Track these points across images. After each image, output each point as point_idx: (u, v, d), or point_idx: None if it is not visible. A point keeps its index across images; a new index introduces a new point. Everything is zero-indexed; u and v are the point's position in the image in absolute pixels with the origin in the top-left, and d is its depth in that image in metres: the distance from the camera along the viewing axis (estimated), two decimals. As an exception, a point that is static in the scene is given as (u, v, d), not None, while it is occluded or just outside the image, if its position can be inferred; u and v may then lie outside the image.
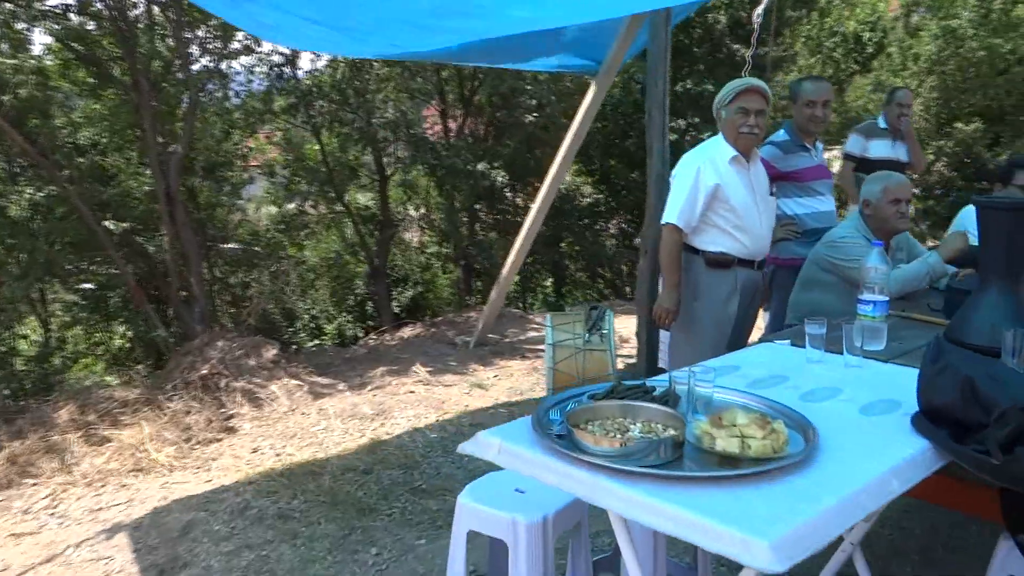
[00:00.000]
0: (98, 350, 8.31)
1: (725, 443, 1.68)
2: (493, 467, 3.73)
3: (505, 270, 6.02)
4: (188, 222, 6.27)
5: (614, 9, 4.00)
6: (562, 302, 9.39)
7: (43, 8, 5.92)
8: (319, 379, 5.34)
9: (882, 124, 5.30)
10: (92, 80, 6.75)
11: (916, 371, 2.29)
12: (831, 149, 7.23)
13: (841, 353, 2.40)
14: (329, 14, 3.40)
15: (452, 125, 8.37)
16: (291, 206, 8.91)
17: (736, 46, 8.80)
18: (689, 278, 3.58)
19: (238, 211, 8.96)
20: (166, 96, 6.55)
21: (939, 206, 12.23)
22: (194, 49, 6.14)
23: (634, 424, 1.83)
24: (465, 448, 1.90)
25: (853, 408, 2.01)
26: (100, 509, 3.56)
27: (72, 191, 6.19)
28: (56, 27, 6.03)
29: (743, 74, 7.19)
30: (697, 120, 8.50)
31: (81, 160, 6.92)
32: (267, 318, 9.51)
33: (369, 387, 5.17)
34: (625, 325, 6.24)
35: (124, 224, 6.91)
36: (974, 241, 3.91)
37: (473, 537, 2.24)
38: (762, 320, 4.33)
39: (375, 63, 7.47)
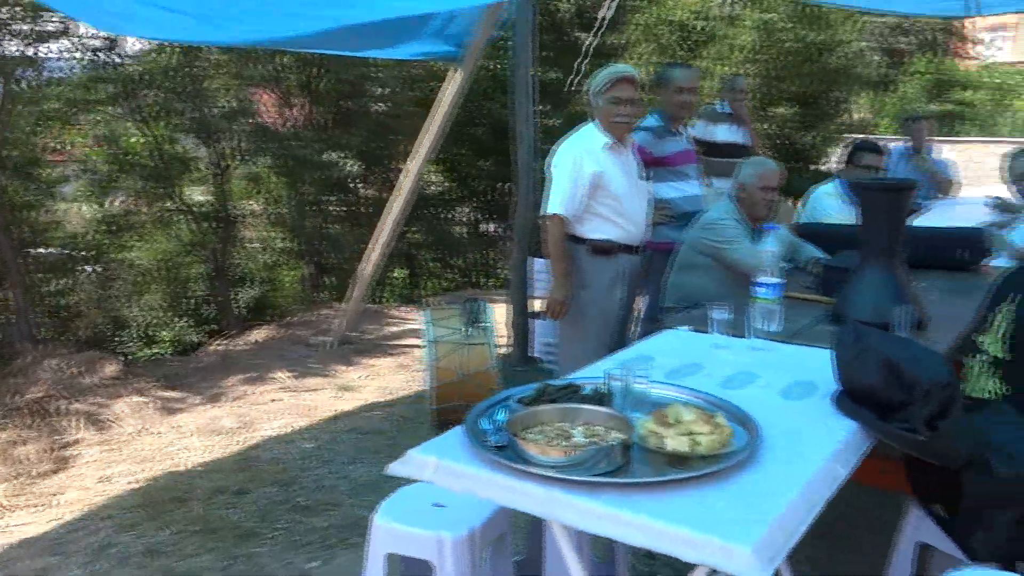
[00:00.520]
0: None
1: (675, 442, 1.62)
2: (384, 477, 3.56)
3: (367, 265, 5.78)
4: (3, 226, 5.57)
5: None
6: (419, 293, 9.20)
7: None
8: (168, 393, 4.90)
9: (721, 109, 5.50)
10: None
11: (819, 351, 2.36)
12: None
13: (742, 337, 2.44)
14: (192, 2, 3.09)
15: (294, 114, 7.94)
16: (116, 205, 8.13)
17: (579, 34, 8.90)
18: (575, 267, 3.55)
19: (52, 212, 8.09)
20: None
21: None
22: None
23: (573, 428, 1.73)
24: (395, 469, 1.74)
25: (773, 393, 2.01)
26: (-77, 565, 3.07)
27: None
28: None
29: (583, 62, 7.31)
30: (547, 107, 8.52)
31: None
32: (92, 328, 8.69)
33: (227, 398, 4.80)
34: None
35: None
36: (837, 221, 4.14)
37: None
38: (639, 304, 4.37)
39: (212, 49, 6.93)
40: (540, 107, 9.03)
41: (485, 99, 9.07)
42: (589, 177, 3.41)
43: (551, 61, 8.85)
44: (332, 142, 7.68)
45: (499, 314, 4.79)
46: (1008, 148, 5.32)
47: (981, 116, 27.56)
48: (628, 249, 3.57)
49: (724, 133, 5.46)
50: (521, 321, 4.87)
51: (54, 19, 5.84)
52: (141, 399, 4.68)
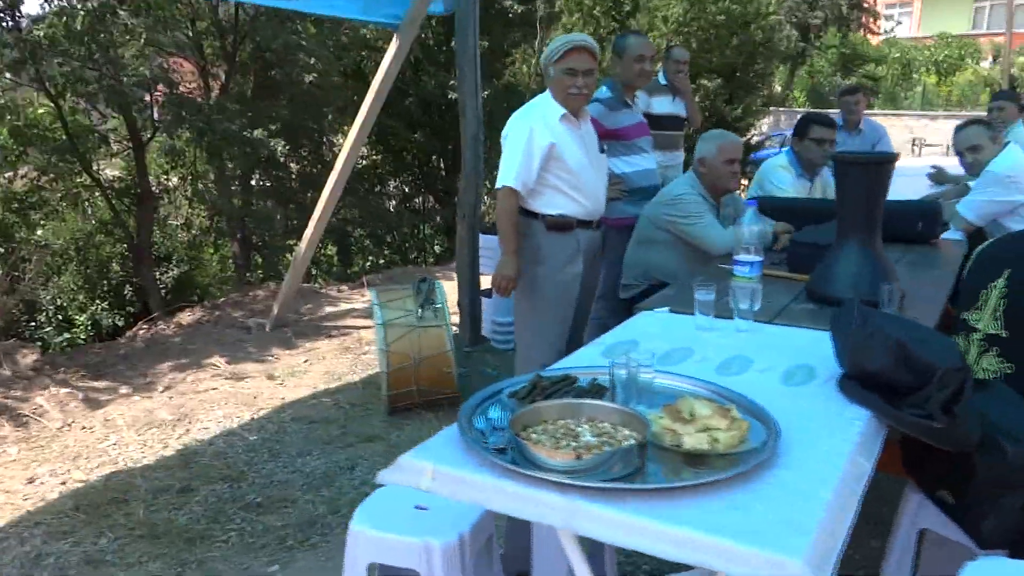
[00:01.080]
0: None
1: (693, 440, 1.51)
2: (340, 469, 3.39)
3: (303, 243, 5.52)
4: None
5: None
6: (353, 271, 8.94)
7: None
8: (94, 383, 4.58)
9: (661, 81, 5.40)
10: None
11: (808, 332, 2.31)
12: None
13: (724, 318, 2.35)
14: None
15: (215, 84, 7.53)
16: (20, 181, 7.60)
17: (508, 2, 8.70)
18: (530, 243, 3.41)
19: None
20: None
21: (688, 157, 13.22)
22: None
23: (579, 425, 1.61)
24: (386, 478, 1.58)
25: (774, 379, 1.93)
26: None
27: None
28: None
29: (538, 34, 7.11)
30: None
31: None
32: (4, 315, 8.14)
33: (160, 388, 4.52)
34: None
35: None
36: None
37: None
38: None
39: (121, 11, 6.46)
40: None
41: (417, 71, 8.82)
42: (543, 149, 3.26)
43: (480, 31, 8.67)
44: (258, 114, 7.32)
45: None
46: (912, 120, 5.42)
47: (886, 89, 28.60)
48: (585, 224, 3.45)
49: (663, 105, 5.36)
50: (471, 300, 4.72)
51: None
52: (65, 391, 4.36)
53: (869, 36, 31.45)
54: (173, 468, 3.51)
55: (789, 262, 3.09)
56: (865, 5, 30.98)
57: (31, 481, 3.51)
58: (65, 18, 6.25)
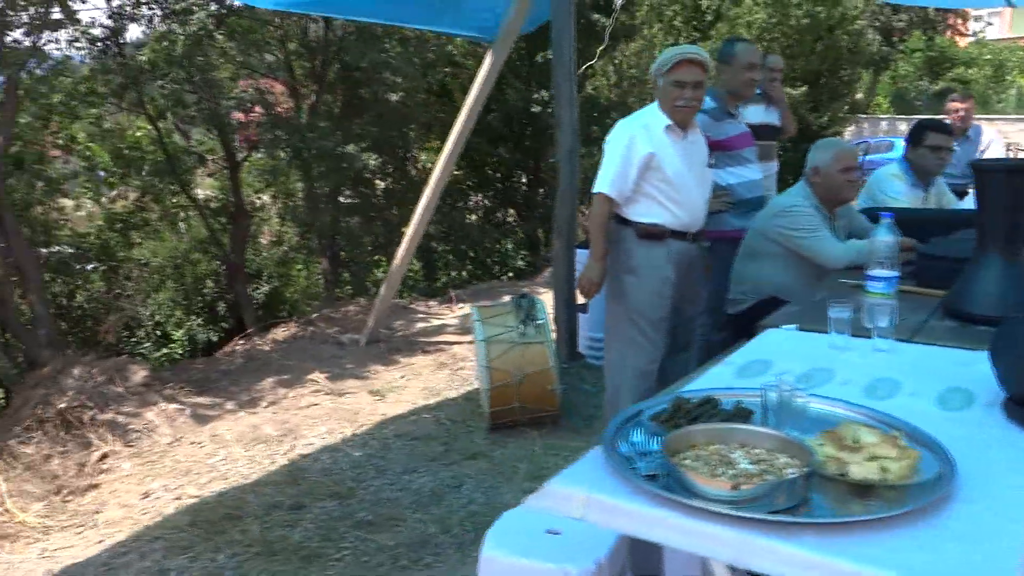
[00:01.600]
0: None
1: (862, 469, 1.42)
2: (447, 487, 3.37)
3: (397, 259, 5.58)
4: (19, 228, 5.32)
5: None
6: (438, 286, 8.99)
7: None
8: (200, 399, 4.70)
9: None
10: None
11: (955, 351, 2.18)
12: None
13: (863, 336, 2.24)
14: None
15: (306, 104, 7.70)
16: (126, 201, 7.90)
17: (596, 16, 8.66)
18: (621, 250, 3.38)
19: (57, 210, 7.85)
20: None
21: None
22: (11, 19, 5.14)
23: (732, 452, 1.53)
24: (534, 502, 1.53)
25: (928, 403, 1.81)
26: (-36, 599, 2.87)
27: None
28: None
29: (604, 41, 7.08)
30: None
31: None
32: (99, 329, 8.46)
33: (263, 403, 4.60)
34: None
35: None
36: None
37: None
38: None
39: (217, 35, 6.67)
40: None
41: (499, 85, 8.85)
42: (642, 158, 3.24)
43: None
44: (347, 132, 7.44)
45: (541, 308, 4.60)
46: (1006, 125, 5.12)
47: (977, 92, 27.47)
48: (679, 235, 3.38)
49: (755, 115, 5.21)
50: (567, 316, 4.67)
51: (56, 7, 5.57)
52: (173, 407, 4.48)
53: (957, 38, 30.30)
54: (282, 484, 3.55)
55: (918, 276, 2.94)
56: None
57: (146, 496, 3.61)
58: (166, 43, 6.48)
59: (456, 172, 10.20)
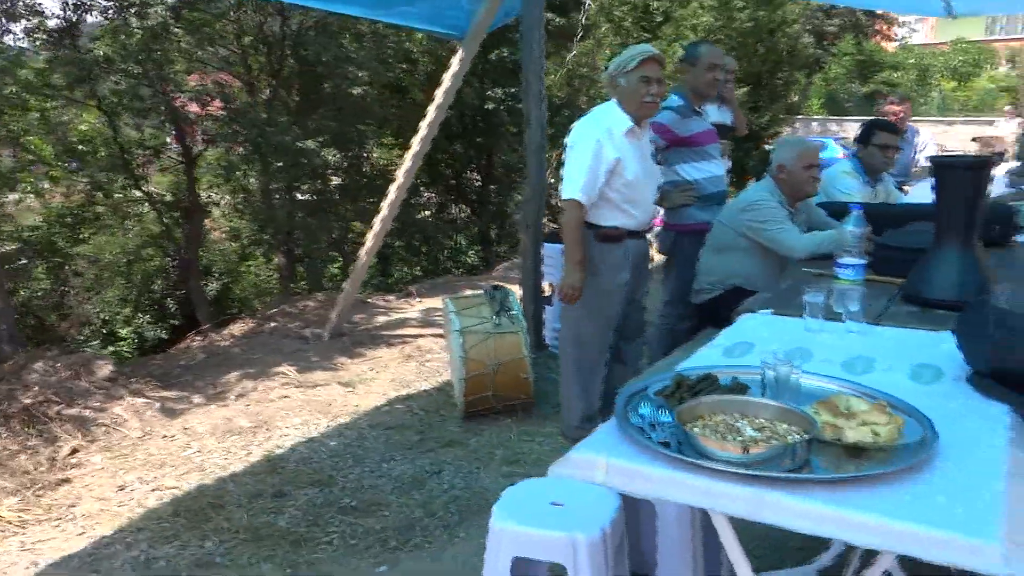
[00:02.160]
0: None
1: (856, 434, 1.57)
2: (428, 473, 3.44)
3: (363, 254, 5.61)
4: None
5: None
6: (391, 281, 9.02)
7: None
8: (167, 393, 4.67)
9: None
10: None
11: (920, 333, 2.36)
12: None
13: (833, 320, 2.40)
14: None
15: (264, 98, 7.63)
16: (73, 196, 7.72)
17: (549, 15, 8.79)
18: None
19: (3, 205, 7.64)
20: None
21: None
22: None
23: (737, 421, 1.67)
24: (556, 470, 1.63)
25: (902, 378, 1.98)
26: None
27: None
28: None
29: (573, 42, 7.22)
30: (515, 90, 8.44)
31: None
32: (44, 327, 8.26)
33: (232, 396, 4.60)
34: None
35: None
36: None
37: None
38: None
39: (176, 29, 6.58)
40: (513, 89, 8.96)
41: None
42: (609, 163, 3.33)
43: (516, 42, 8.79)
44: (305, 127, 7.42)
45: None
46: (931, 126, 5.43)
47: (904, 95, 28.52)
48: (634, 235, 3.53)
49: (711, 114, 5.43)
50: (534, 307, 4.78)
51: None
52: (140, 401, 4.44)
53: (884, 43, 31.42)
54: (262, 474, 3.58)
55: (874, 265, 3.14)
56: (881, 12, 30.96)
57: (122, 489, 3.59)
58: (121, 36, 6.37)
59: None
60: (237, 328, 6.61)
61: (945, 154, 4.49)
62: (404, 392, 4.54)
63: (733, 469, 1.46)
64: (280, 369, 4.97)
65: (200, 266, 8.68)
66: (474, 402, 3.96)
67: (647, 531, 2.34)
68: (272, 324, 6.33)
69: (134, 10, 6.02)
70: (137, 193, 7.36)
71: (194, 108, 6.94)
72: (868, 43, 29.97)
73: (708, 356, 2.19)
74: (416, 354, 5.25)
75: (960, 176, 2.58)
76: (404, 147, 9.71)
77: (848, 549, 2.47)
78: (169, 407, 4.45)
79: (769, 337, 2.35)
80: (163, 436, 4.11)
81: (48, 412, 4.18)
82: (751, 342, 2.29)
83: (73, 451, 3.98)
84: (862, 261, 2.52)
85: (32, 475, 3.68)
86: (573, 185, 3.36)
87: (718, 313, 3.38)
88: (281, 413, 4.27)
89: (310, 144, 6.88)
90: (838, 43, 29.02)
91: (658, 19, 12.16)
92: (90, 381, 4.48)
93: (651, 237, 3.84)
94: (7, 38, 5.69)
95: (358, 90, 7.54)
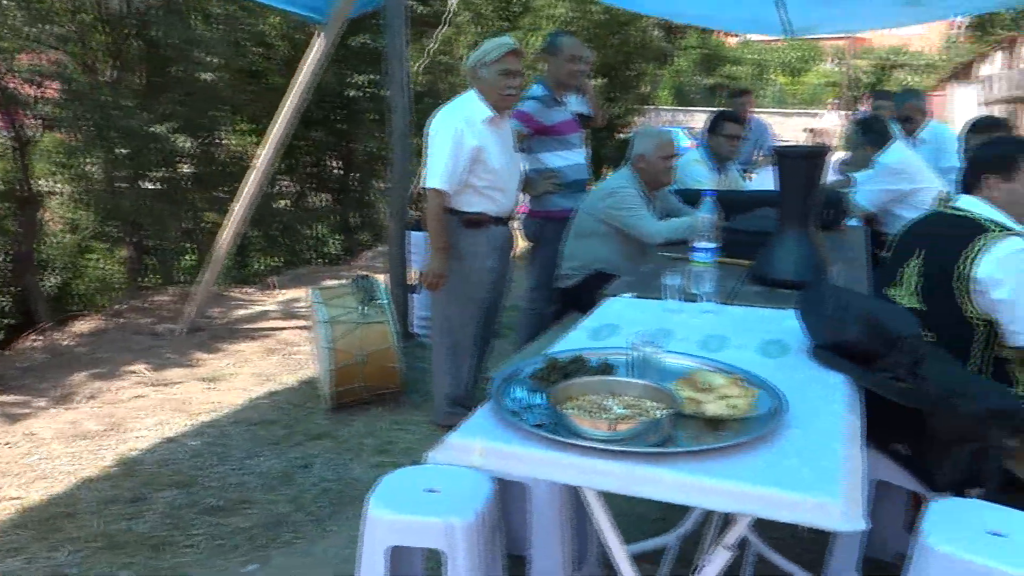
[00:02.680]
0: None
1: (715, 407, 1.68)
2: (296, 468, 3.37)
3: (223, 244, 5.39)
4: None
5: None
6: (250, 273, 8.67)
7: None
8: (5, 397, 4.32)
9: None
10: None
11: (767, 310, 2.53)
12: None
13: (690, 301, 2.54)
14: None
15: (105, 80, 7.12)
16: None
17: (410, 2, 8.70)
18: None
19: None
20: None
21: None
22: None
23: (606, 400, 1.74)
24: (435, 457, 1.65)
25: (752, 353, 2.12)
26: None
27: None
28: None
29: (436, 31, 7.23)
30: (379, 76, 8.31)
31: None
32: None
33: (79, 398, 4.31)
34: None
35: None
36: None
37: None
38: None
39: (3, 2, 6.03)
40: (374, 76, 8.82)
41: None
42: (469, 151, 3.41)
43: (379, 29, 8.65)
44: (153, 111, 7.00)
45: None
46: (768, 118, 5.82)
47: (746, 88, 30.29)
48: (498, 221, 3.62)
49: (572, 104, 5.58)
50: (401, 296, 4.76)
51: None
52: (-27, 407, 4.10)
53: (726, 39, 33.13)
54: (116, 478, 3.39)
55: (724, 248, 3.33)
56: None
57: (-44, 501, 3.31)
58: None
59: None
60: (82, 326, 6.18)
61: (784, 144, 4.84)
62: (268, 387, 4.41)
63: (604, 446, 1.52)
64: (132, 368, 4.71)
65: (37, 261, 8.04)
66: (343, 393, 3.90)
67: (518, 512, 2.40)
68: (121, 320, 5.98)
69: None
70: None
71: (27, 90, 6.40)
72: (713, 38, 31.54)
73: (576, 339, 2.27)
74: (279, 347, 5.11)
75: (798, 165, 2.79)
76: (260, 134, 9.36)
77: (706, 516, 2.63)
78: (9, 412, 4.13)
79: (633, 319, 2.45)
80: (4, 444, 3.81)
81: None
82: (616, 324, 2.39)
83: None
84: (715, 245, 2.66)
85: None
86: (434, 173, 3.42)
87: (581, 297, 3.50)
88: (135, 414, 4.05)
89: (160, 129, 6.51)
90: (684, 37, 30.37)
91: (517, 9, 12.29)
92: (-88, 388, 4.09)
93: (515, 224, 3.92)
94: None
95: (208, 75, 7.19)
